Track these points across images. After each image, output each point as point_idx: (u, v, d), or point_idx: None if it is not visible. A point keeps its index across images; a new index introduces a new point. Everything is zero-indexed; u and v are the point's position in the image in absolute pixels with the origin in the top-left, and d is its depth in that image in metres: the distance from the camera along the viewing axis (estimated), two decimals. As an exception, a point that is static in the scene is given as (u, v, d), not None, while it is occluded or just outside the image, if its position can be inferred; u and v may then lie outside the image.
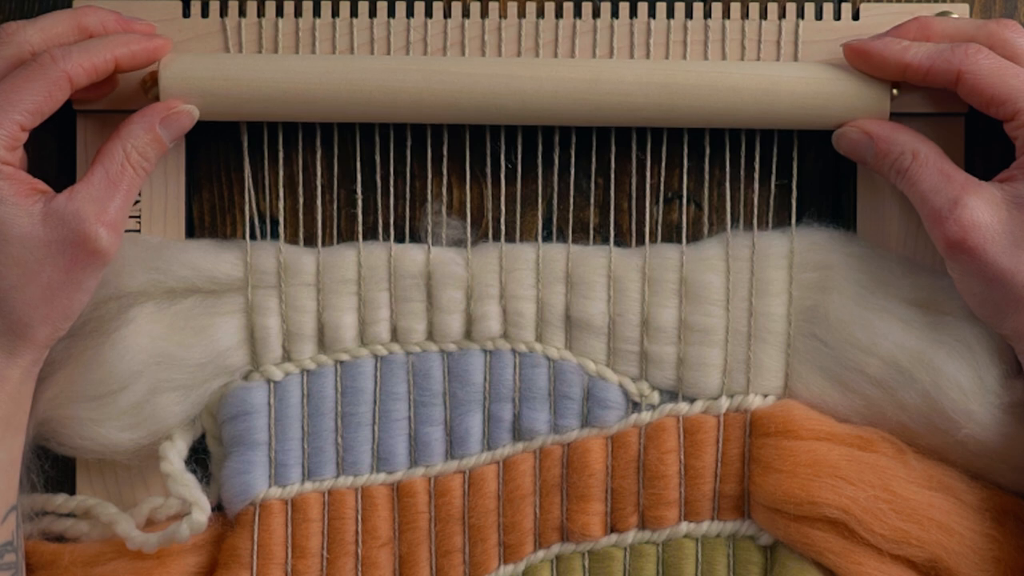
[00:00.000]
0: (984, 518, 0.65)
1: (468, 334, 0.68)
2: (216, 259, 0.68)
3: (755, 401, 0.68)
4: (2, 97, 0.61)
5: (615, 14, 0.69)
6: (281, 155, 0.69)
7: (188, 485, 0.67)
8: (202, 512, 0.66)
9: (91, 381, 0.66)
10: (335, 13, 0.69)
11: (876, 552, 0.65)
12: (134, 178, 0.64)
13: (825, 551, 0.66)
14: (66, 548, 0.67)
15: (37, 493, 0.68)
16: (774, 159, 0.70)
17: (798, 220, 0.70)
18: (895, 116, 0.68)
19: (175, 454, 0.67)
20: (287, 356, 0.68)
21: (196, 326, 0.67)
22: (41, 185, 0.63)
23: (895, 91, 0.66)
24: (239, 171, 0.71)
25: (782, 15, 0.69)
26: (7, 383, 0.63)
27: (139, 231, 0.69)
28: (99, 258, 0.63)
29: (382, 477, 0.69)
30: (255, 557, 0.67)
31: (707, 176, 0.70)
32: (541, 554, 0.68)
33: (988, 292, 0.62)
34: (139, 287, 0.67)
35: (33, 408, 0.65)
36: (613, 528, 0.69)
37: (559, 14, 0.69)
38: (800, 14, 0.69)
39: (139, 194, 0.70)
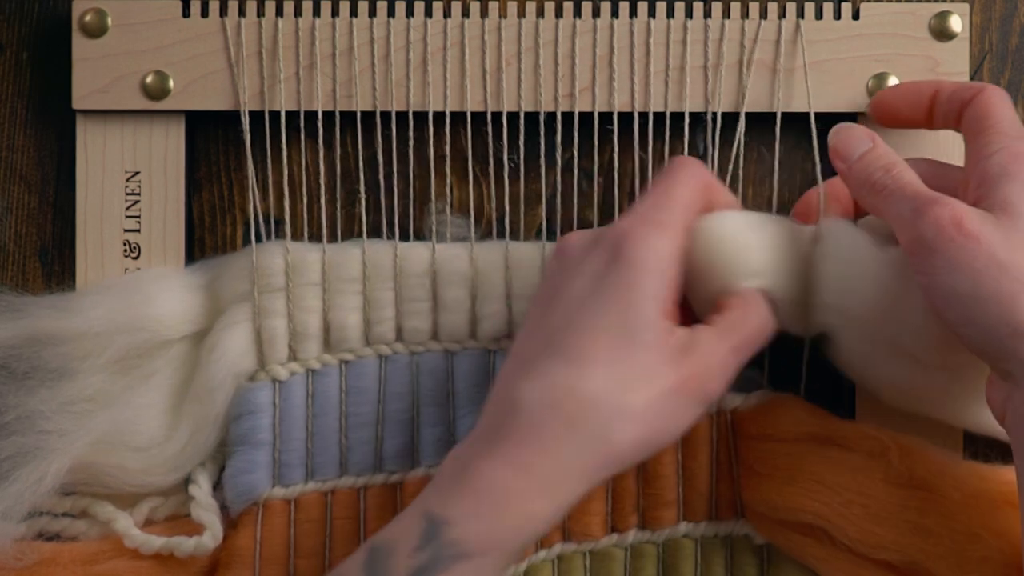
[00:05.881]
0: (974, 514, 0.64)
1: (472, 334, 0.68)
2: (232, 279, 0.68)
3: (735, 400, 0.68)
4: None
5: (615, 14, 0.69)
6: (283, 155, 0.69)
7: (209, 511, 0.67)
8: (213, 539, 0.66)
9: (136, 430, 0.66)
10: (335, 13, 0.69)
11: (856, 556, 0.64)
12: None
13: (808, 556, 0.66)
14: (65, 547, 0.67)
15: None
16: (775, 159, 0.70)
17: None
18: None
19: (205, 479, 0.67)
20: (293, 356, 0.68)
21: (208, 347, 0.68)
22: None
23: None
24: (239, 171, 0.71)
25: (782, 15, 0.69)
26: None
27: (139, 231, 0.69)
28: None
29: (384, 477, 0.68)
30: (258, 557, 0.67)
31: (707, 176, 0.70)
32: (543, 553, 0.68)
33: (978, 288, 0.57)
34: (177, 335, 0.68)
35: (66, 448, 0.65)
36: (614, 528, 0.68)
37: (559, 14, 0.69)
38: (800, 14, 0.69)
39: (139, 194, 0.70)
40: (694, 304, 0.64)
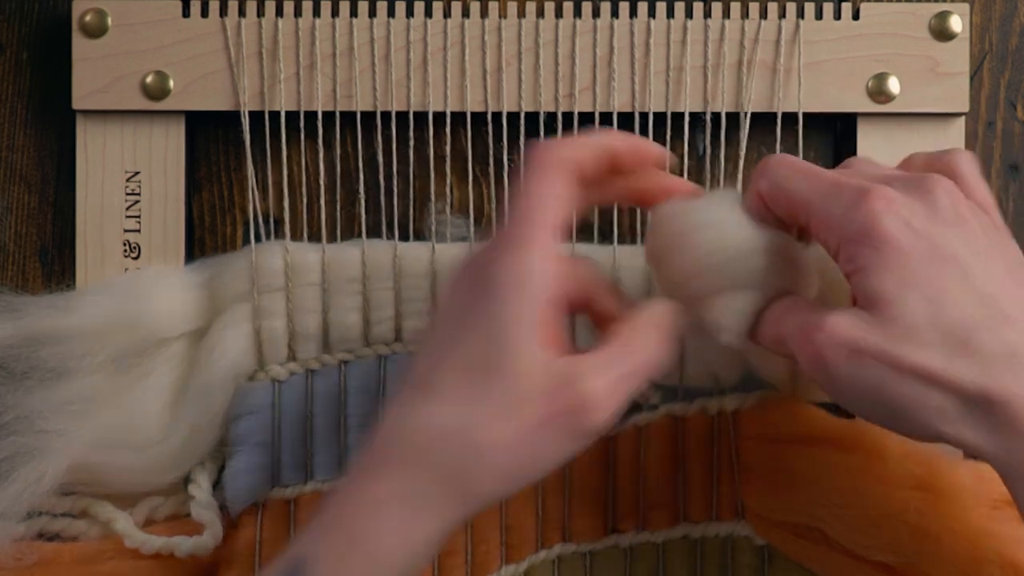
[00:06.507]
0: (973, 515, 0.63)
1: (473, 333, 0.68)
2: (231, 278, 0.68)
3: (735, 400, 0.68)
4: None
5: (615, 14, 0.69)
6: (283, 155, 0.69)
7: (208, 509, 0.67)
8: (212, 538, 0.66)
9: (135, 428, 0.66)
10: (335, 13, 0.69)
11: (854, 558, 0.64)
12: None
13: (806, 557, 0.66)
14: (65, 547, 0.67)
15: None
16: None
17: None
18: (894, 115, 0.69)
19: (205, 478, 0.68)
20: (292, 356, 0.68)
21: (208, 347, 0.68)
22: None
23: None
24: (239, 171, 0.71)
25: (782, 15, 0.69)
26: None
27: (139, 231, 0.69)
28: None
29: (384, 477, 0.68)
30: (258, 557, 0.67)
31: (708, 175, 0.70)
32: (543, 554, 0.68)
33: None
34: (174, 334, 0.68)
35: (65, 448, 0.65)
36: (614, 529, 0.68)
37: (559, 14, 0.69)
38: (800, 14, 0.69)
39: (139, 194, 0.70)
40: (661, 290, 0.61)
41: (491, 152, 0.69)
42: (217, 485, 0.68)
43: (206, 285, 0.69)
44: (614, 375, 0.55)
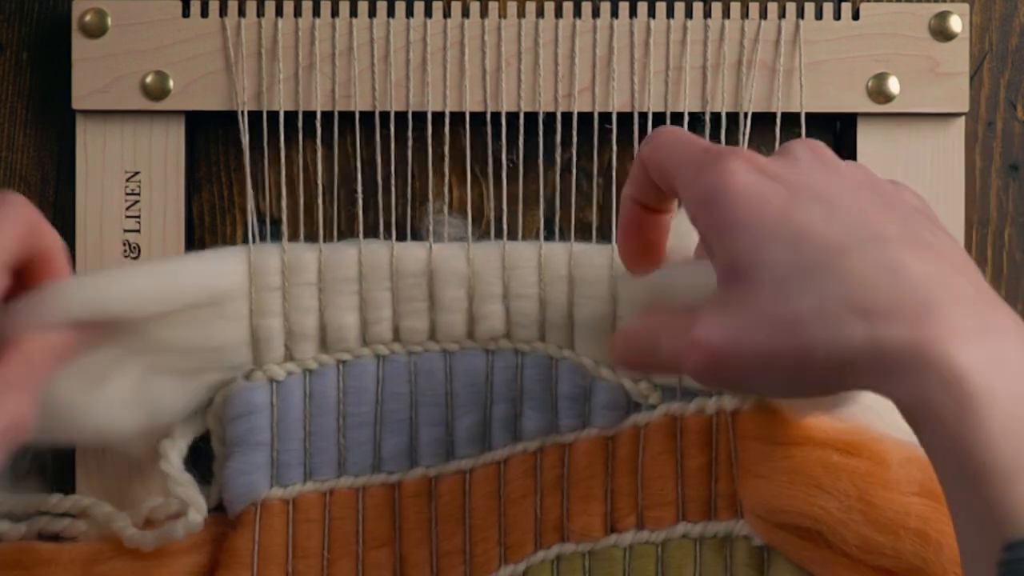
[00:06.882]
0: None
1: (470, 334, 0.68)
2: (220, 272, 0.67)
3: (735, 401, 0.67)
4: None
5: (615, 14, 0.69)
6: (282, 155, 0.69)
7: (185, 485, 0.66)
8: (198, 513, 0.66)
9: (85, 364, 0.65)
10: (335, 13, 0.69)
11: (853, 562, 0.64)
12: None
13: (805, 559, 0.65)
14: (64, 547, 0.67)
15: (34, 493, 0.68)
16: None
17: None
18: (894, 115, 0.69)
19: (175, 453, 0.67)
20: (289, 356, 0.68)
21: (197, 325, 0.67)
22: None
23: None
24: (239, 171, 0.71)
25: (782, 15, 0.69)
26: None
27: (139, 231, 0.69)
28: None
29: (383, 477, 0.68)
30: (256, 557, 0.67)
31: (707, 176, 0.70)
32: (541, 554, 0.68)
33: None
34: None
35: None
36: (613, 528, 0.68)
37: (559, 14, 0.69)
38: (800, 14, 0.69)
39: (139, 194, 0.70)
40: None
41: (490, 152, 0.69)
42: (213, 481, 0.69)
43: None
44: None
